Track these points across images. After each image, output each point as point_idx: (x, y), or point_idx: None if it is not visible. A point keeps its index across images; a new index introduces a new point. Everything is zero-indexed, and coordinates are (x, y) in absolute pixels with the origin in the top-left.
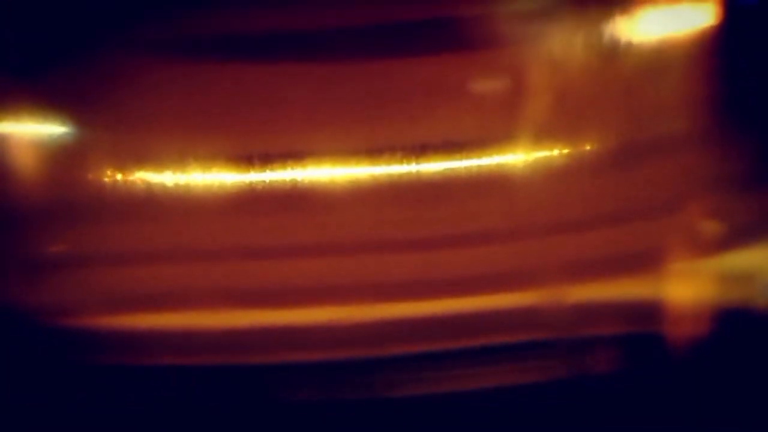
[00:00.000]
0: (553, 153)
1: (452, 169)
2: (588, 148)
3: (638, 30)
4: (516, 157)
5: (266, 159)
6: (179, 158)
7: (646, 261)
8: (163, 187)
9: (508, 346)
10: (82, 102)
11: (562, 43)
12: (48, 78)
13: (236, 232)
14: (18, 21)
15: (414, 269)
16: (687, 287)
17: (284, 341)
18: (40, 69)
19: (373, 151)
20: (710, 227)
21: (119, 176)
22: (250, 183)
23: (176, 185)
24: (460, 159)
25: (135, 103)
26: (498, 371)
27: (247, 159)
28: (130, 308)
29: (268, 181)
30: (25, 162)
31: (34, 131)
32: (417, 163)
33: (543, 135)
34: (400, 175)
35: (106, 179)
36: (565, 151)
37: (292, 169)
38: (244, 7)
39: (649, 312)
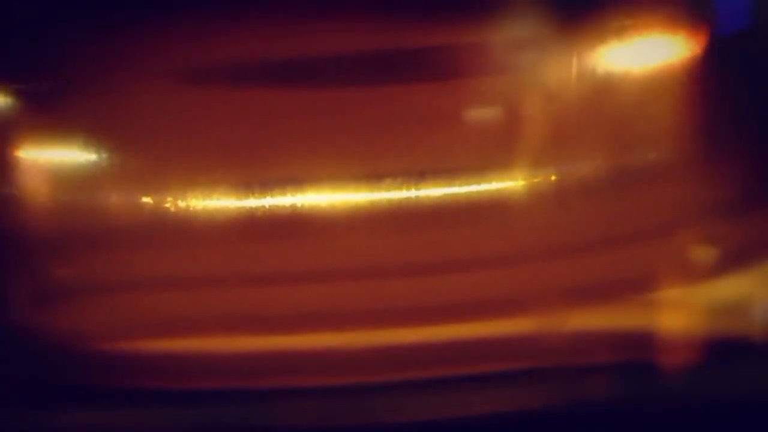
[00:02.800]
0: (548, 179)
1: (450, 195)
2: (581, 174)
3: (628, 58)
4: (512, 184)
5: (265, 185)
6: (181, 185)
7: (639, 287)
8: (166, 213)
9: (504, 373)
10: (91, 127)
11: (555, 71)
12: (57, 105)
13: (236, 258)
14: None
15: (413, 295)
16: (680, 314)
17: (284, 367)
18: (50, 96)
19: (372, 177)
20: (703, 253)
21: (124, 202)
22: (249, 209)
23: (178, 212)
24: (458, 185)
25: (139, 129)
26: (493, 398)
27: (246, 185)
28: (133, 334)
29: (267, 207)
30: (36, 187)
31: (44, 157)
32: (416, 189)
33: (538, 161)
34: (399, 201)
35: (111, 206)
36: (560, 177)
37: (292, 195)
38: (243, 36)
39: (642, 340)
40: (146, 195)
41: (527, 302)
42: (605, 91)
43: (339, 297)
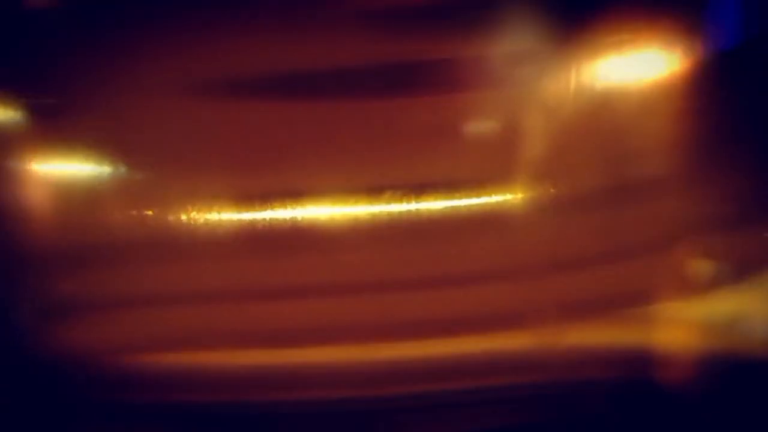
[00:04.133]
0: (547, 193)
1: (450, 208)
2: (580, 188)
3: (626, 73)
4: (511, 197)
5: (268, 199)
6: (186, 200)
7: (637, 302)
8: (172, 228)
9: (501, 388)
10: (96, 142)
11: (554, 85)
12: (63, 119)
13: (241, 273)
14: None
15: (411, 309)
16: (677, 329)
17: (286, 380)
18: (56, 111)
19: (373, 190)
20: (700, 268)
21: (130, 217)
22: (253, 223)
23: (184, 227)
24: (458, 198)
25: (144, 144)
26: (491, 412)
27: (249, 199)
28: (137, 349)
29: (270, 220)
30: (44, 203)
31: (51, 172)
32: (416, 202)
33: (537, 175)
34: (399, 214)
35: (118, 221)
36: (559, 191)
37: (293, 208)
38: (245, 51)
39: (640, 354)
40: (151, 210)
41: (524, 316)
42: (603, 106)
43: (339, 311)
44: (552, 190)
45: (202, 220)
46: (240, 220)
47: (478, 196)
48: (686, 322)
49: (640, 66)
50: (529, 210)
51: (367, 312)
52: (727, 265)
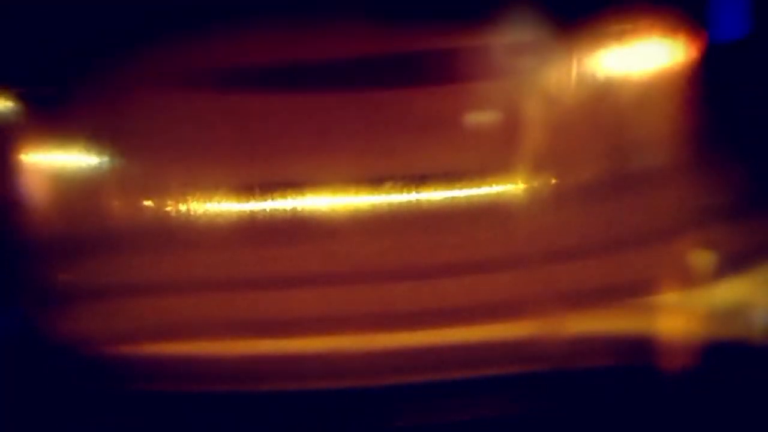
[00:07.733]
0: (547, 183)
1: (451, 199)
2: (581, 179)
3: (627, 63)
4: (512, 187)
5: (268, 189)
6: (185, 189)
7: (639, 291)
8: (170, 218)
9: (503, 377)
10: (94, 133)
11: (555, 75)
12: (62, 110)
13: (238, 262)
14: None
15: (413, 298)
16: (678, 318)
17: (284, 370)
18: (54, 102)
19: (374, 181)
20: (701, 258)
21: (129, 207)
22: (252, 213)
23: (182, 216)
24: (459, 188)
25: (143, 134)
26: (492, 401)
27: (249, 189)
28: (135, 338)
29: (269, 210)
30: (42, 192)
31: (50, 162)
32: (416, 193)
33: (538, 165)
34: (400, 205)
35: (116, 210)
36: (560, 181)
37: (294, 198)
38: (245, 42)
39: (641, 343)
40: (150, 199)
41: (526, 306)
42: (604, 96)
43: (339, 301)
44: (553, 181)
45: (202, 210)
46: (240, 210)
47: (480, 186)
48: (688, 311)
49: (642, 57)
50: (530, 200)
51: (368, 302)
52: (728, 255)
